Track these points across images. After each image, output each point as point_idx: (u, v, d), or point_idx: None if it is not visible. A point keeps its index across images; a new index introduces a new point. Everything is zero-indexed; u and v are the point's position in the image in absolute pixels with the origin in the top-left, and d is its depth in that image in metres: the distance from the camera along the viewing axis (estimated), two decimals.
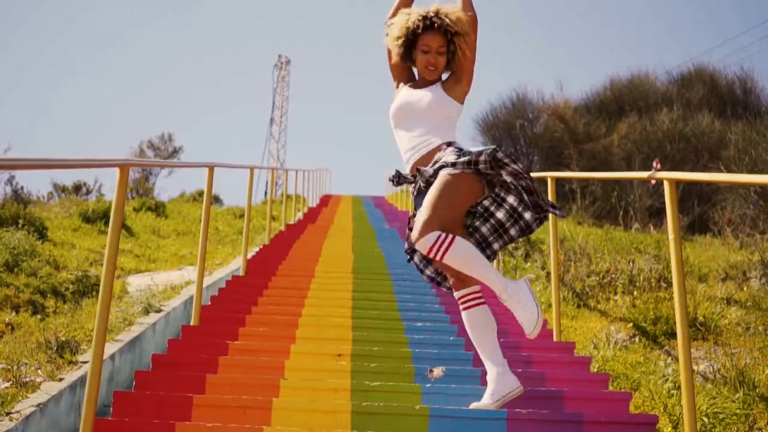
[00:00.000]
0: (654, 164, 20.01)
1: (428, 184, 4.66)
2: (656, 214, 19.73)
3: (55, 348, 6.81)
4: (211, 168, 6.89)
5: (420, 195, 4.75)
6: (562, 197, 22.48)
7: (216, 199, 28.03)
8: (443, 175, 4.53)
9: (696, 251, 13.55)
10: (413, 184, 4.84)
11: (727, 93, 23.38)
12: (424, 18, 4.73)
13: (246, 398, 4.52)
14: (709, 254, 13.10)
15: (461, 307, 4.72)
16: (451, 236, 4.42)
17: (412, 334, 6.43)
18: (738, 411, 5.48)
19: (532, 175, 9.47)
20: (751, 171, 15.55)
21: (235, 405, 4.44)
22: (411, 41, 4.80)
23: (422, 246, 4.41)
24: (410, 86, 4.95)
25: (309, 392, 4.86)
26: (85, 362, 6.44)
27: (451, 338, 6.37)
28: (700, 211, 19.09)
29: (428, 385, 5.06)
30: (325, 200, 24.28)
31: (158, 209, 20.10)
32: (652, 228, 18.24)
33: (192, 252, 14.22)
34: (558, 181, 22.68)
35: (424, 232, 4.41)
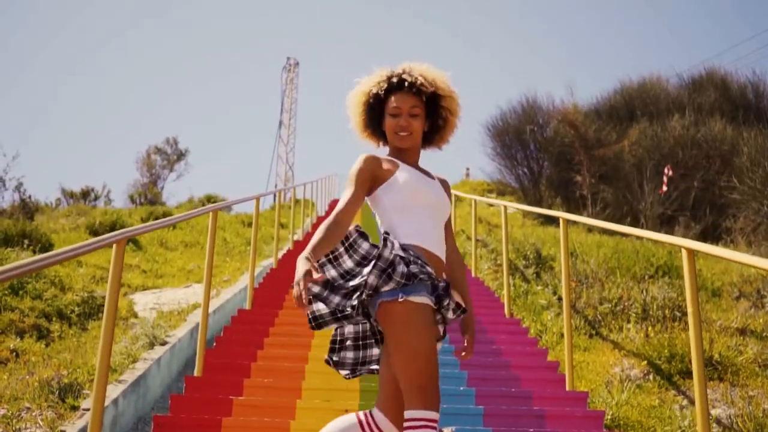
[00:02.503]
0: (666, 170, 19.88)
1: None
2: (667, 222, 19.56)
3: (56, 392, 6.68)
4: (215, 212, 6.73)
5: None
6: (573, 203, 22.32)
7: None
8: None
9: (708, 263, 13.37)
10: (427, 278, 3.61)
11: (739, 97, 23.16)
12: (389, 78, 3.90)
13: None
14: (722, 266, 12.93)
15: None
16: None
17: None
18: None
19: (542, 211, 9.29)
20: (764, 183, 15.37)
21: None
22: (375, 108, 3.95)
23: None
24: (405, 165, 3.94)
25: None
26: (88, 409, 6.30)
27: (462, 388, 6.23)
28: (713, 220, 18.90)
29: None
30: (334, 207, 24.10)
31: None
32: None
33: (199, 266, 14.09)
34: (569, 188, 22.63)
35: None
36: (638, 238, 18.10)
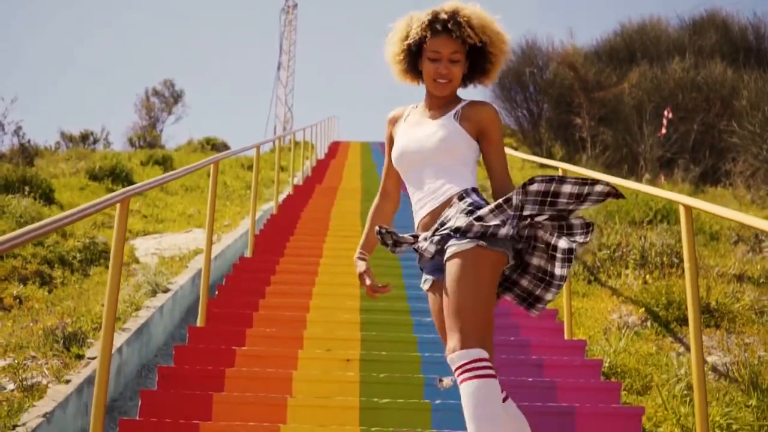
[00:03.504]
0: (665, 113, 19.83)
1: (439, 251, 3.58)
2: (667, 165, 19.57)
3: (61, 340, 6.74)
4: (216, 164, 6.75)
5: (426, 261, 3.70)
6: (573, 145, 22.32)
7: (224, 147, 27.92)
8: (456, 258, 3.47)
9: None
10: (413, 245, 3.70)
11: (740, 39, 23.01)
12: (432, 22, 3.64)
13: (253, 425, 4.48)
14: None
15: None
16: (490, 371, 3.38)
17: (422, 333, 6.34)
18: (752, 422, 5.42)
19: (542, 161, 9.28)
20: (763, 128, 15.35)
21: None
22: (415, 52, 3.74)
23: (458, 359, 3.39)
24: (417, 113, 3.88)
25: (317, 412, 4.80)
26: (93, 358, 6.38)
27: None
28: (712, 163, 18.90)
29: (438, 402, 4.99)
30: (334, 149, 24.16)
31: (165, 162, 19.93)
32: (662, 178, 18.11)
33: (200, 210, 14.15)
34: (568, 130, 22.60)
35: (467, 343, 3.37)
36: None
